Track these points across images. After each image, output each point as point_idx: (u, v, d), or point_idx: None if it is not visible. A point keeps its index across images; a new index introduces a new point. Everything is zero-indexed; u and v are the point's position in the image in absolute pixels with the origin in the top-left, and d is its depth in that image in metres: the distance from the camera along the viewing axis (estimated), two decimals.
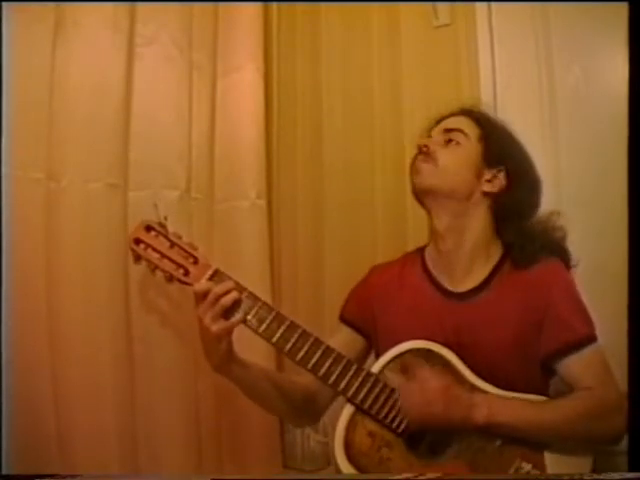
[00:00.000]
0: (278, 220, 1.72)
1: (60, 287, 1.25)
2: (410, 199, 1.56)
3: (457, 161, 1.17)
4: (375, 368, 1.10)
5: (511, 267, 1.14)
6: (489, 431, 1.02)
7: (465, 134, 1.18)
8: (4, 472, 1.10)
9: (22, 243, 1.21)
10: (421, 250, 1.25)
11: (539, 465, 1.02)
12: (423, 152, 1.17)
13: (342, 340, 1.23)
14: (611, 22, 1.29)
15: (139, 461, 1.33)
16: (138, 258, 1.14)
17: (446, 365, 1.08)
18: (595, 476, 0.99)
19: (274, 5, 1.76)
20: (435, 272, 1.19)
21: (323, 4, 1.72)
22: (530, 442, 1.03)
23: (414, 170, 1.19)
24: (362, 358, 1.24)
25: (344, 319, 1.27)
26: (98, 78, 1.30)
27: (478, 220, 1.16)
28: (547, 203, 1.20)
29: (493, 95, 1.47)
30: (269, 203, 1.62)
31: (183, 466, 1.39)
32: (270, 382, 1.18)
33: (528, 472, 1.02)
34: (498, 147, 1.17)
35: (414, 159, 1.19)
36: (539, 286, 1.11)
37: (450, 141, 1.18)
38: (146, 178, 1.38)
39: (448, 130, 1.19)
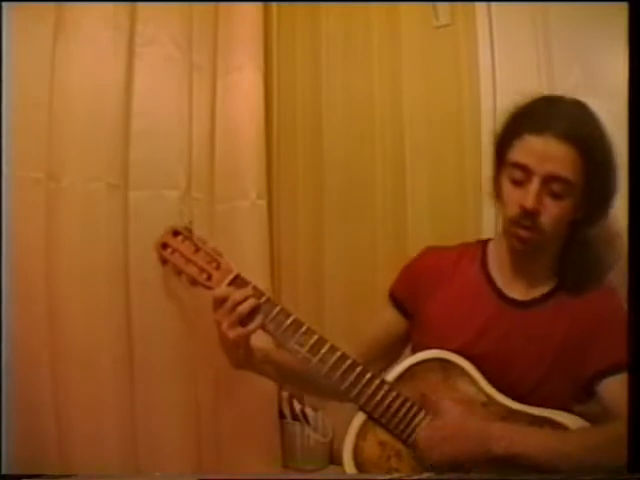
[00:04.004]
0: (278, 220, 1.73)
1: (60, 287, 1.26)
2: (410, 199, 1.57)
3: (561, 219, 1.04)
4: (390, 376, 1.08)
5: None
6: (507, 461, 0.98)
7: (572, 185, 1.02)
8: (4, 472, 1.10)
9: (22, 243, 1.21)
10: (483, 244, 1.20)
11: None
12: (528, 215, 1.03)
13: (385, 319, 1.21)
14: (611, 22, 1.29)
15: (139, 461, 1.33)
16: (165, 262, 1.15)
17: (462, 375, 1.07)
18: (594, 476, 0.99)
19: (274, 5, 1.76)
20: (494, 272, 1.15)
21: (323, 4, 1.72)
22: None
23: (512, 232, 1.06)
24: (402, 342, 1.21)
25: (391, 296, 1.23)
26: (98, 78, 1.30)
27: (556, 240, 1.10)
28: None
29: (493, 95, 1.47)
30: (269, 203, 1.62)
31: (183, 466, 1.39)
32: (295, 369, 1.16)
33: None
34: (600, 188, 1.04)
35: (515, 217, 1.04)
36: (592, 310, 1.07)
37: (557, 196, 1.02)
38: (146, 178, 1.38)
39: (553, 178, 1.01)
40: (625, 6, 1.06)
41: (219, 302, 1.08)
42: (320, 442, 1.65)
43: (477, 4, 1.50)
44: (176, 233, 1.15)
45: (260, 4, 1.65)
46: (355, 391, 1.05)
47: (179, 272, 1.14)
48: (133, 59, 1.36)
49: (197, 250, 1.14)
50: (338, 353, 1.07)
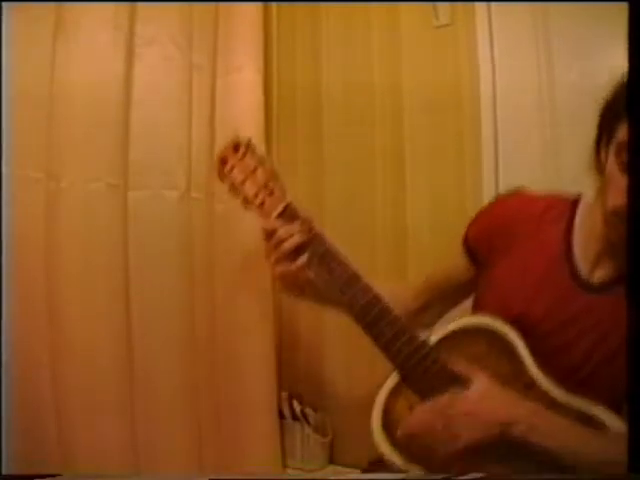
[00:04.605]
0: None
1: (60, 287, 1.25)
2: (410, 198, 1.58)
3: None
4: (433, 338, 0.99)
5: None
6: (521, 446, 0.90)
7: None
8: (4, 472, 1.10)
9: (22, 243, 1.21)
10: (574, 204, 1.06)
11: None
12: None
13: (452, 263, 1.13)
14: (611, 22, 1.29)
15: (139, 460, 1.33)
16: (223, 179, 1.10)
17: (509, 350, 0.97)
18: (594, 476, 0.99)
19: (274, 5, 1.76)
20: (577, 246, 1.02)
21: (323, 4, 1.72)
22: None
23: (612, 223, 0.93)
24: (466, 289, 1.12)
25: (465, 240, 1.12)
26: (98, 78, 1.30)
27: None
28: None
29: (493, 95, 1.47)
30: None
31: (183, 466, 1.39)
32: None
33: None
34: None
35: (620, 208, 0.89)
36: None
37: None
38: (146, 178, 1.38)
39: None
40: (625, 6, 1.06)
41: (267, 235, 1.04)
42: (320, 442, 1.65)
43: (477, 4, 1.50)
44: (237, 147, 1.08)
45: (260, 4, 1.66)
46: (394, 349, 0.97)
47: (235, 192, 1.08)
48: (133, 59, 1.36)
49: (255, 169, 1.07)
50: (380, 304, 0.99)
